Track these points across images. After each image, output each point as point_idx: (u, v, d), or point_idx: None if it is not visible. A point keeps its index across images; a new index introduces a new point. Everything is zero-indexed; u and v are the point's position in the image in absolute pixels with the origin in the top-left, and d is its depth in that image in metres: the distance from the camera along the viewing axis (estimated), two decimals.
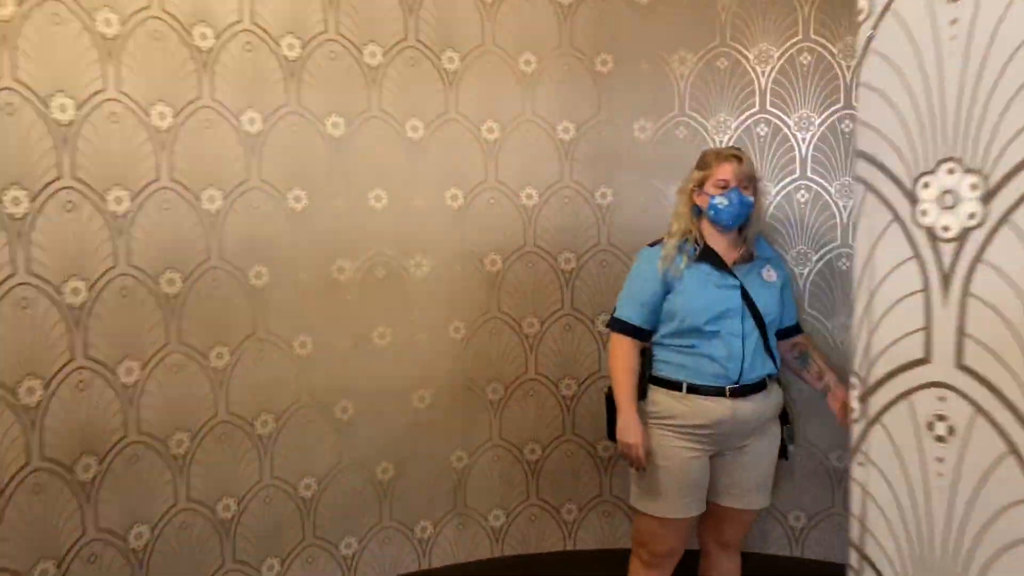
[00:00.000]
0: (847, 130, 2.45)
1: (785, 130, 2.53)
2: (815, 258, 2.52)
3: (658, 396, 2.15)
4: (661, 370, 2.17)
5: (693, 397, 2.12)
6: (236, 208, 2.28)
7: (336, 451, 2.49)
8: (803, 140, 2.52)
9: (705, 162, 2.18)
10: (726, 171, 2.13)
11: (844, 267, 2.47)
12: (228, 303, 2.28)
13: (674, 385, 2.14)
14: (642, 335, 2.17)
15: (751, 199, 2.16)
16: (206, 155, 2.22)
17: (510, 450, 2.67)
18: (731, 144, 2.47)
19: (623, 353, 2.16)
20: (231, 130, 2.25)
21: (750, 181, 2.16)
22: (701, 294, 2.12)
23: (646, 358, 2.19)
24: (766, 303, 2.16)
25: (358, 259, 2.47)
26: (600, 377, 2.68)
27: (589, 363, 2.68)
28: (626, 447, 2.11)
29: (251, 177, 2.30)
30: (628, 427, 2.11)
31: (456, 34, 2.53)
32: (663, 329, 2.17)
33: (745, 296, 2.14)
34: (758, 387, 2.16)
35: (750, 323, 2.13)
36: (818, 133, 2.50)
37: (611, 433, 2.22)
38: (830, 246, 2.50)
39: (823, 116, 2.49)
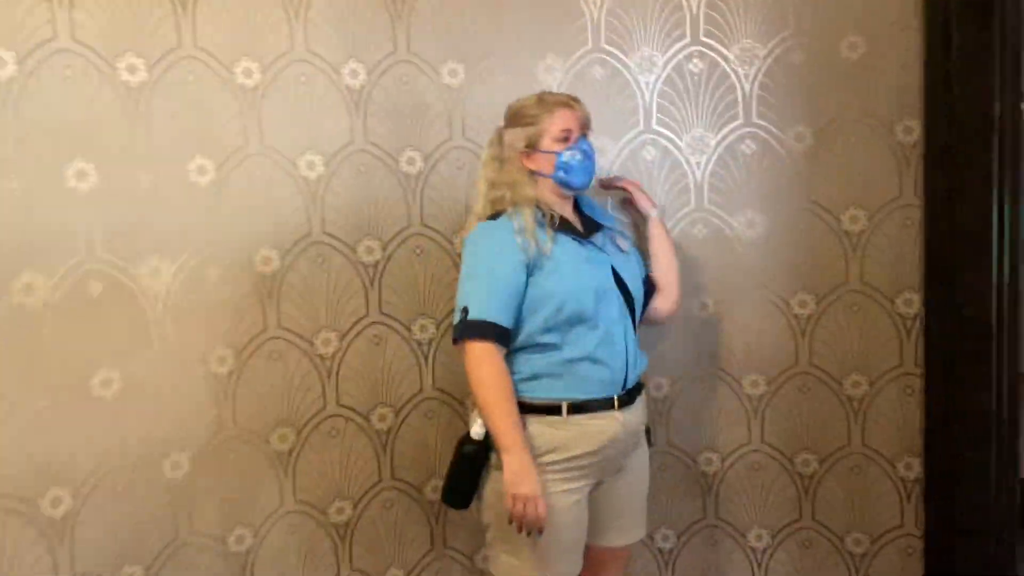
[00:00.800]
0: (696, 70, 2.20)
1: (625, 73, 2.21)
2: (667, 227, 2.25)
3: (530, 427, 1.72)
4: (528, 391, 1.74)
5: (578, 419, 1.73)
6: None
7: (48, 566, 1.74)
8: (646, 85, 2.22)
9: (529, 115, 1.80)
10: (565, 119, 1.79)
11: (701, 236, 2.23)
12: None
13: (550, 409, 1.72)
14: (508, 338, 1.72)
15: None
16: None
17: (311, 514, 2.07)
18: (564, 91, 2.09)
19: (495, 369, 1.68)
20: None
21: (589, 128, 1.85)
22: (578, 271, 1.74)
23: None
24: (633, 280, 1.85)
25: (57, 270, 1.73)
26: (424, 399, 2.19)
27: (409, 383, 2.16)
28: (522, 502, 1.63)
29: None
30: (524, 473, 1.65)
31: None
32: (526, 328, 1.74)
33: (615, 274, 1.81)
34: (639, 388, 1.85)
35: (624, 308, 1.80)
36: (663, 75, 2.20)
37: (458, 495, 1.77)
38: (683, 212, 2.22)
39: (668, 54, 2.19)
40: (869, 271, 2.17)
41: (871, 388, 2.21)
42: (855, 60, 2.11)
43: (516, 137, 1.84)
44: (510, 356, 1.75)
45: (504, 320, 1.70)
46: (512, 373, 1.74)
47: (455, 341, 1.73)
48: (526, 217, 1.76)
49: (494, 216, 1.81)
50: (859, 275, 2.18)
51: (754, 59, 2.16)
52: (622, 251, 1.87)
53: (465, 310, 1.71)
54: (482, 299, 1.71)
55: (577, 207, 1.89)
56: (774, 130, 2.17)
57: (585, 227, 1.84)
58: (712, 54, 2.17)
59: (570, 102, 1.83)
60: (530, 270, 1.72)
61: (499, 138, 1.87)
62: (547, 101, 1.82)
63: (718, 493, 2.32)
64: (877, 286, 2.17)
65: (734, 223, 2.22)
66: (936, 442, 2.04)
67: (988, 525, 1.96)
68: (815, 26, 2.13)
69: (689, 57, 2.19)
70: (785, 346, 2.25)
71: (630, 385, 1.80)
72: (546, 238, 1.75)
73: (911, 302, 2.14)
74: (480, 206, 1.85)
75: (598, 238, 1.84)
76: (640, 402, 1.84)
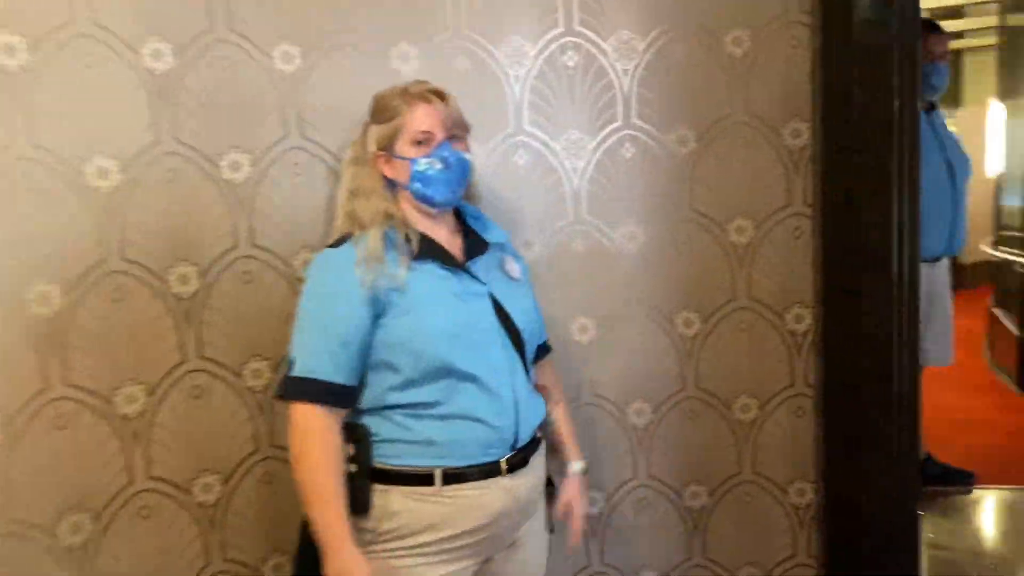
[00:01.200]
0: (571, 64, 1.96)
1: (492, 65, 1.93)
2: (542, 243, 2.00)
3: (395, 502, 1.41)
4: (391, 458, 1.42)
5: (455, 490, 1.42)
6: None
7: None
8: (516, 79, 1.95)
9: (388, 109, 1.48)
10: (426, 117, 1.46)
11: (579, 251, 1.99)
12: None
13: (420, 478, 1.41)
14: (346, 399, 1.40)
15: (469, 156, 1.53)
16: None
17: None
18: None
19: (319, 441, 1.37)
20: None
21: (461, 130, 1.52)
22: (442, 310, 1.42)
23: (359, 441, 1.42)
24: (523, 314, 1.54)
25: None
26: (260, 460, 1.80)
27: (240, 443, 1.76)
28: None
29: None
30: (349, 569, 1.34)
31: None
32: (381, 382, 1.42)
33: (496, 307, 1.51)
34: (534, 445, 1.56)
35: (511, 349, 1.50)
36: (535, 69, 1.95)
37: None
38: (560, 224, 1.97)
39: (539, 45, 1.93)
40: (757, 286, 2.02)
41: (761, 411, 2.06)
42: (740, 56, 1.95)
43: (373, 136, 1.51)
44: (365, 416, 1.43)
45: (339, 376, 1.38)
46: (371, 436, 1.42)
47: (278, 399, 1.41)
48: (372, 240, 1.43)
49: (343, 240, 1.47)
50: (747, 290, 2.03)
51: (633, 53, 1.95)
52: (511, 277, 1.57)
53: (290, 360, 1.39)
54: (310, 350, 1.39)
55: (462, 220, 1.59)
56: (655, 132, 1.96)
57: (468, 248, 1.53)
58: (588, 46, 1.93)
59: (431, 96, 1.50)
60: (378, 310, 1.40)
61: (363, 135, 1.53)
62: (410, 93, 1.50)
63: (603, 536, 2.10)
64: (766, 302, 2.02)
65: (614, 236, 1.99)
66: (835, 466, 1.93)
67: (891, 551, 1.87)
68: (698, 18, 1.93)
69: (563, 49, 1.93)
70: (670, 369, 2.05)
71: (522, 443, 1.50)
72: (399, 268, 1.42)
73: (801, 318, 2.01)
74: (340, 221, 1.51)
75: (479, 264, 1.52)
76: (537, 460, 1.55)
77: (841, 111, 1.76)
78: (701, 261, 2.02)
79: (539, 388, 1.62)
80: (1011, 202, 5.77)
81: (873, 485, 1.90)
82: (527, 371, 1.53)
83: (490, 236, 1.57)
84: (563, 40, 1.94)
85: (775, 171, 1.99)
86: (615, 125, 1.97)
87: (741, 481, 2.10)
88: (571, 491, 1.66)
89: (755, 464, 2.09)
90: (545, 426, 1.62)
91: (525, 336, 1.52)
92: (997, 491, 3.58)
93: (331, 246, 1.49)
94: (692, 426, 2.08)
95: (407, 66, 1.86)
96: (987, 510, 3.42)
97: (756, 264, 2.02)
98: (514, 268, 1.58)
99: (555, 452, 1.69)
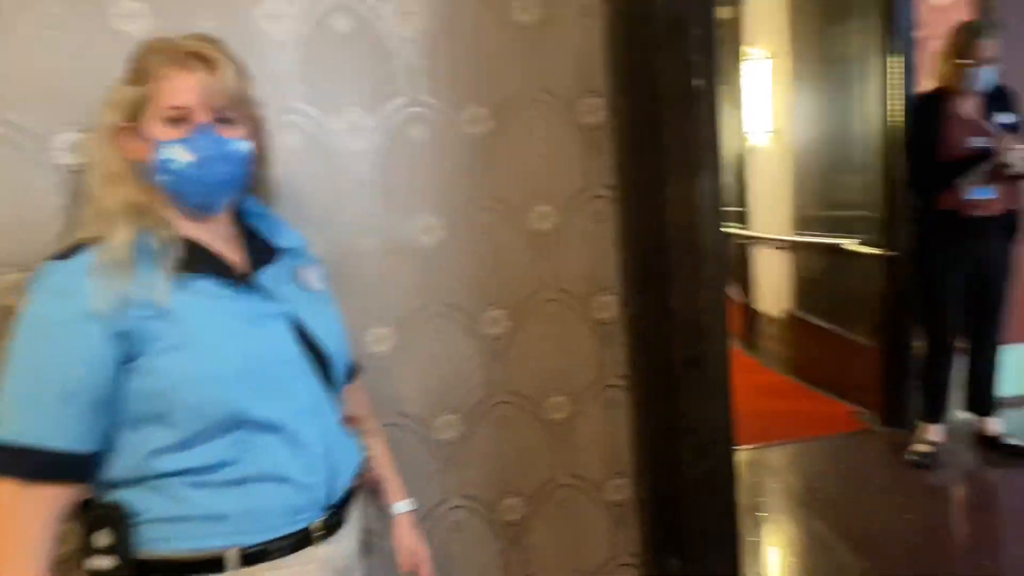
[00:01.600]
0: (344, 29, 1.62)
1: (246, 26, 1.54)
2: (323, 242, 1.61)
3: None
4: (165, 540, 1.04)
5: (256, 573, 1.07)
6: None
7: None
8: (280, 45, 1.57)
9: (140, 68, 1.10)
10: (180, 87, 1.08)
11: (370, 249, 1.66)
12: None
13: (208, 564, 1.05)
14: (74, 470, 1.02)
15: (244, 144, 1.15)
16: None
17: None
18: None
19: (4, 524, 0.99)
20: None
21: (237, 107, 1.13)
22: (228, 341, 1.06)
23: (115, 525, 1.03)
24: (330, 335, 1.21)
25: None
26: None
27: None
28: None
29: None
30: None
31: None
32: (144, 443, 1.04)
33: (297, 330, 1.16)
34: (350, 498, 1.24)
35: (315, 382, 1.17)
36: (301, 34, 1.59)
37: None
38: (346, 219, 1.63)
39: (303, 5, 1.56)
40: (563, 275, 1.83)
41: (574, 408, 1.90)
42: (529, 24, 1.74)
43: (119, 98, 1.10)
44: (121, 489, 1.05)
45: (59, 440, 1.00)
46: (132, 516, 1.03)
47: None
48: (116, 245, 1.04)
49: (75, 249, 1.06)
50: (553, 280, 1.83)
51: (412, 17, 1.67)
52: (310, 290, 1.22)
53: None
54: (15, 406, 1.00)
55: (241, 221, 1.21)
56: (446, 110, 1.70)
57: (254, 257, 1.16)
58: (360, 7, 1.62)
59: (189, 60, 1.09)
60: (130, 347, 1.02)
61: (113, 96, 1.10)
62: (172, 50, 1.10)
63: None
64: (572, 291, 1.85)
65: (409, 230, 1.71)
66: (650, 458, 1.81)
67: (711, 540, 1.79)
68: None
69: (332, 9, 1.61)
70: (478, 374, 1.82)
71: (337, 500, 1.18)
72: (158, 286, 1.04)
73: (608, 305, 1.88)
74: (85, 216, 1.09)
75: (267, 274, 1.16)
76: (354, 516, 1.24)
77: (642, 84, 1.62)
78: (504, 252, 1.80)
79: (351, 420, 1.30)
80: (726, 179, 6.28)
81: (689, 474, 1.81)
82: (336, 406, 1.22)
83: (280, 240, 1.21)
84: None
85: (572, 150, 1.81)
86: (400, 101, 1.67)
87: (557, 485, 1.92)
88: (409, 536, 1.39)
89: (570, 465, 1.92)
90: (361, 467, 1.31)
91: (334, 362, 1.19)
92: (747, 451, 3.81)
93: (57, 256, 1.06)
94: (505, 433, 1.86)
95: (134, 25, 1.43)
96: (744, 470, 3.61)
97: (560, 252, 1.83)
98: (313, 276, 1.23)
99: (375, 493, 1.39)
